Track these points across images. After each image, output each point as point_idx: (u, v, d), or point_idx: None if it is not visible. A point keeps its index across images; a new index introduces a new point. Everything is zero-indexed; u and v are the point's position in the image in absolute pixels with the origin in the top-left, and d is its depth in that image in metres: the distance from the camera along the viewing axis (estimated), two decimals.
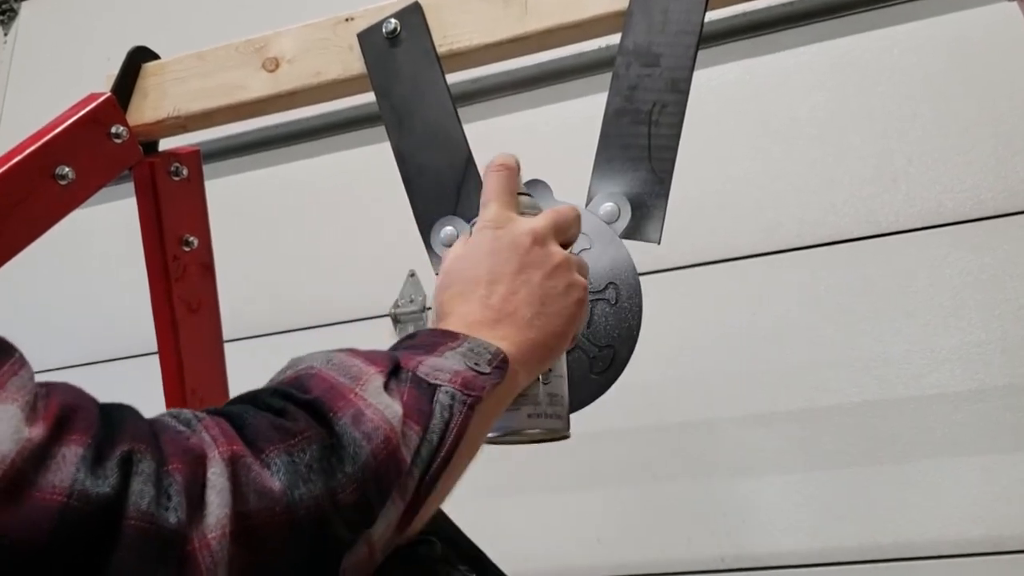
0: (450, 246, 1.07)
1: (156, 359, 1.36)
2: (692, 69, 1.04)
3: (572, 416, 0.94)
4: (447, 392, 0.72)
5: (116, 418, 0.62)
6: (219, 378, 1.40)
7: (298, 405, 0.67)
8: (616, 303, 0.99)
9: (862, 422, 1.72)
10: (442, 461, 0.71)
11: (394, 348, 0.78)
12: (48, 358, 2.35)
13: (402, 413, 0.69)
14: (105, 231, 2.29)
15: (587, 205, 1.04)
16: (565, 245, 0.91)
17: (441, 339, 0.77)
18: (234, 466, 0.61)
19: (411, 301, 2.08)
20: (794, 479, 1.75)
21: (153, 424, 0.64)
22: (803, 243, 1.82)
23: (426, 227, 1.10)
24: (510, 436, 0.88)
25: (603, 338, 0.99)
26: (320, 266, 2.18)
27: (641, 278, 1.00)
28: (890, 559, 1.68)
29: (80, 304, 2.41)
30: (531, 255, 0.86)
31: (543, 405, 0.88)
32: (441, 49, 1.15)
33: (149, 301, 1.35)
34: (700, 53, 1.05)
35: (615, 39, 1.08)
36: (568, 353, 0.98)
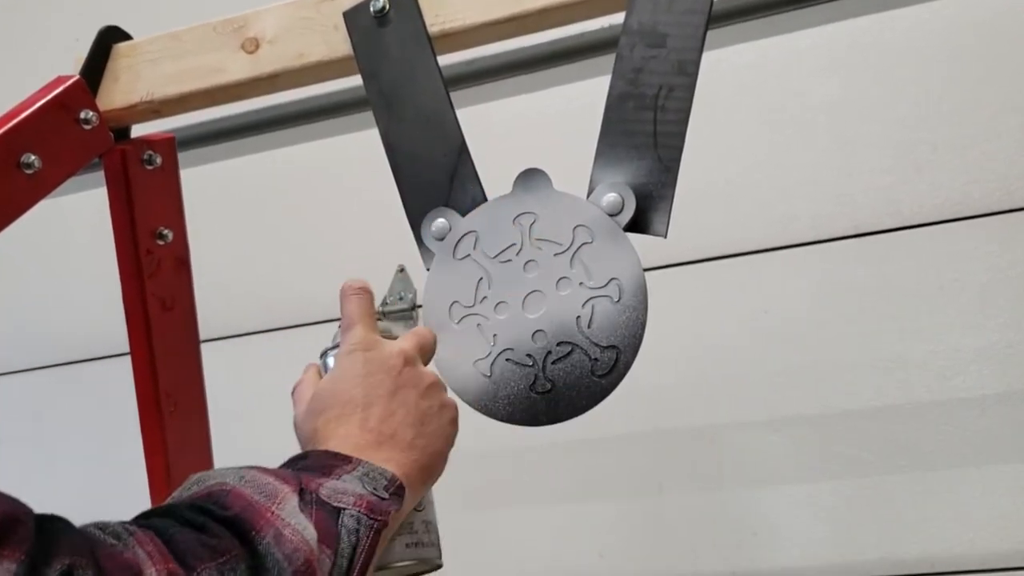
0: (442, 239, 1.07)
1: (128, 360, 1.36)
2: (701, 51, 1.04)
3: (574, 420, 0.94)
4: (352, 515, 0.76)
5: (52, 530, 0.63)
6: (195, 381, 1.40)
7: (219, 521, 0.70)
8: (619, 301, 1.00)
9: (882, 428, 1.73)
10: None
11: (285, 467, 0.82)
12: (11, 360, 2.35)
13: (317, 536, 0.73)
14: (73, 223, 2.29)
15: (588, 196, 1.04)
16: (426, 364, 0.97)
17: (334, 461, 0.81)
18: None
19: (400, 298, 2.07)
20: (809, 489, 1.75)
21: (86, 536, 0.65)
22: (818, 237, 1.82)
23: (416, 219, 1.10)
24: (385, 570, 0.90)
25: (606, 338, 0.99)
26: (303, 261, 2.18)
27: (646, 274, 1.00)
28: (913, 575, 1.68)
29: (46, 301, 2.41)
30: (403, 376, 0.91)
31: (419, 533, 0.92)
32: (433, 29, 1.15)
33: (120, 298, 1.34)
34: (709, 33, 1.05)
35: (619, 18, 1.08)
36: (567, 355, 0.98)
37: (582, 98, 1.95)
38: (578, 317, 1.01)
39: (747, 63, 1.91)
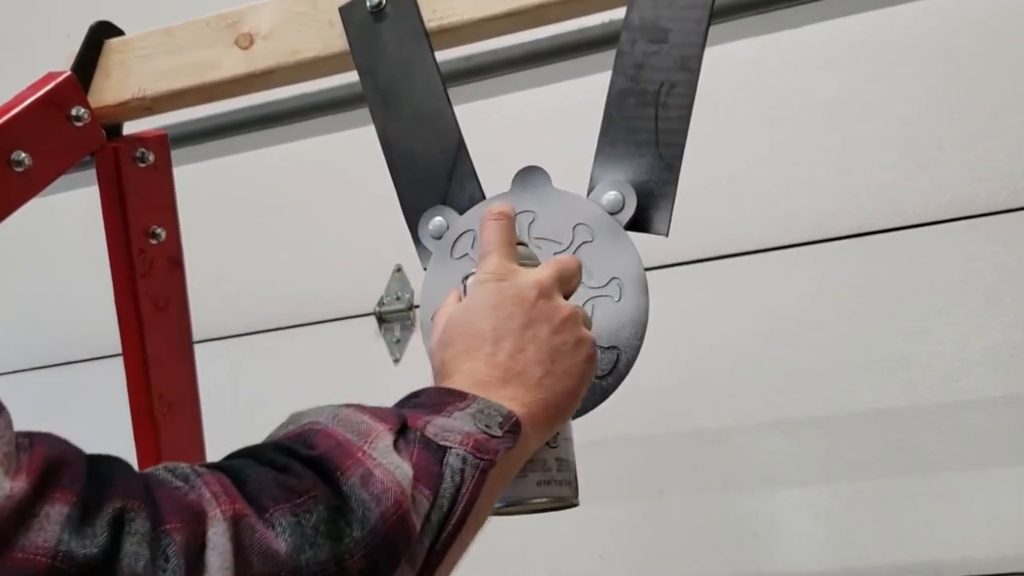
0: (439, 238, 1.07)
1: (120, 361, 1.35)
2: (703, 46, 1.04)
3: (575, 422, 0.94)
4: (458, 455, 0.73)
5: (105, 472, 0.62)
6: (188, 382, 1.40)
7: (303, 462, 0.68)
8: (620, 300, 1.00)
9: (885, 430, 1.73)
10: (453, 528, 0.72)
11: (398, 405, 0.79)
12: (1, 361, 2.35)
13: (412, 475, 0.70)
14: (65, 222, 2.28)
15: (589, 194, 1.04)
16: (567, 297, 0.92)
17: (448, 398, 0.78)
18: (237, 526, 0.62)
19: (397, 298, 2.08)
20: (812, 491, 1.75)
21: (147, 479, 0.64)
22: (822, 236, 1.82)
23: (414, 217, 1.10)
24: (516, 506, 0.89)
25: (606, 339, 0.99)
26: (299, 260, 2.18)
27: (647, 273, 1.00)
28: None
29: (36, 301, 2.41)
30: (537, 309, 0.87)
31: (552, 471, 0.89)
32: (430, 24, 1.15)
33: (112, 298, 1.34)
34: (712, 29, 1.05)
35: (620, 13, 1.08)
36: None
37: (582, 95, 1.94)
38: None
39: (748, 59, 1.91)
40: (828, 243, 1.82)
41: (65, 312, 2.36)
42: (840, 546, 1.73)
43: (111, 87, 1.29)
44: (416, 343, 2.02)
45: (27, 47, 2.37)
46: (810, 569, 1.74)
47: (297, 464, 0.68)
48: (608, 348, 0.99)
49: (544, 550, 1.88)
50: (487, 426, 0.76)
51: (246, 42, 1.23)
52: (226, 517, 0.62)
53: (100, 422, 2.14)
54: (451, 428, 0.75)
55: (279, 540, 0.63)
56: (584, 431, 0.96)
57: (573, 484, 0.92)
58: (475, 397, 0.78)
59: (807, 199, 1.84)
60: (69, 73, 1.27)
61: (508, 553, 1.87)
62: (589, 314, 0.99)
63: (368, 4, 1.16)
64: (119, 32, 1.32)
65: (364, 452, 0.70)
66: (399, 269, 2.08)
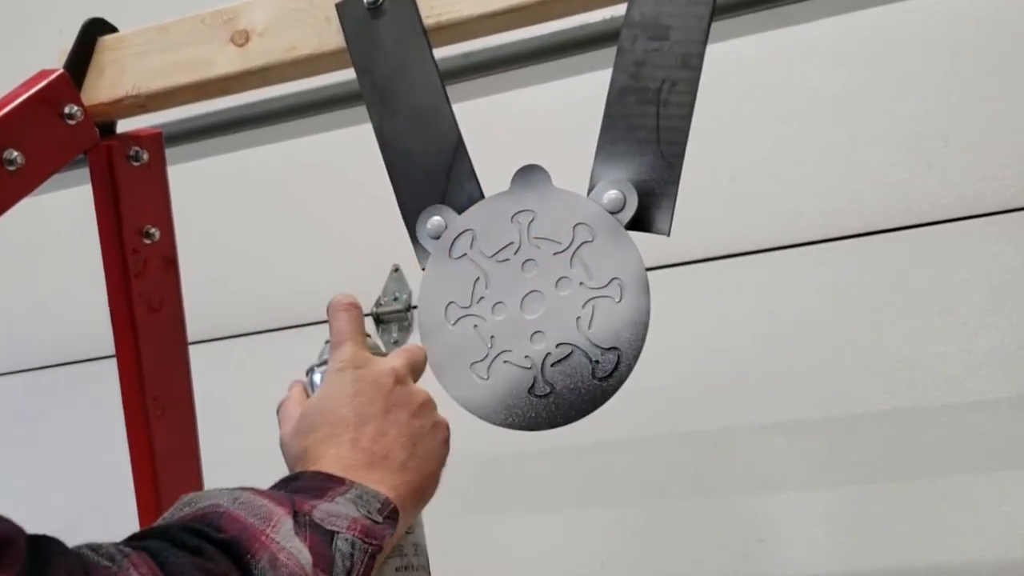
0: (438, 238, 1.07)
1: (113, 363, 1.35)
2: (705, 43, 1.04)
3: (573, 425, 0.94)
4: (346, 539, 0.76)
5: (43, 552, 0.63)
6: (182, 383, 1.40)
7: (214, 544, 0.71)
8: (621, 301, 1.00)
9: (891, 432, 1.73)
10: None
11: (277, 487, 0.82)
12: None
13: (312, 560, 0.73)
14: (57, 221, 2.28)
15: (589, 193, 1.04)
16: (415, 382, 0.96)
17: (326, 483, 0.81)
18: None
19: (395, 299, 2.08)
20: (817, 495, 1.75)
21: (81, 559, 0.65)
22: (826, 235, 1.82)
23: (411, 217, 1.10)
24: None
25: (607, 340, 0.99)
26: (294, 260, 2.18)
27: (648, 274, 1.00)
28: None
29: (28, 302, 2.41)
30: (395, 394, 0.91)
31: (410, 556, 0.92)
32: (428, 21, 1.15)
33: (105, 299, 1.34)
34: (714, 25, 1.05)
35: (620, 10, 1.08)
36: (567, 357, 0.98)
37: (583, 92, 1.94)
38: (578, 318, 1.00)
39: (752, 56, 1.91)
40: (832, 243, 1.82)
41: (57, 313, 2.36)
42: (844, 551, 1.73)
43: (105, 85, 1.29)
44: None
45: (19, 44, 2.37)
46: (815, 573, 1.74)
47: (208, 547, 0.70)
48: (609, 349, 0.99)
49: (544, 557, 1.88)
50: (368, 512, 0.79)
51: (242, 39, 1.23)
52: None
53: (93, 425, 2.15)
54: (336, 513, 0.78)
55: None
56: (584, 433, 0.96)
57: (427, 568, 0.95)
58: (352, 482, 0.81)
59: (811, 198, 1.84)
60: (62, 70, 1.27)
61: (507, 561, 1.87)
62: (590, 315, 0.99)
63: (365, 0, 1.16)
64: (113, 29, 1.31)
65: (268, 536, 0.73)
66: (397, 269, 2.08)
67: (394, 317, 2.07)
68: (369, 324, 2.06)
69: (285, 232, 2.20)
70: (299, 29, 1.21)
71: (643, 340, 0.99)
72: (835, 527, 1.74)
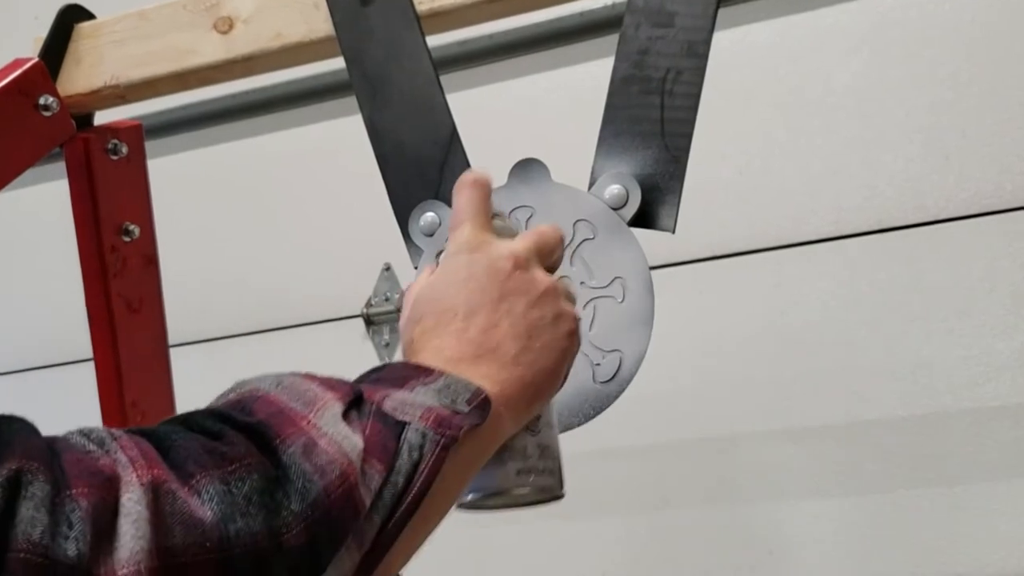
0: (431, 235, 1.08)
1: (91, 366, 1.36)
2: (712, 30, 1.04)
3: (575, 431, 0.94)
4: (417, 430, 0.72)
5: (5, 433, 0.61)
6: (163, 388, 1.40)
7: (238, 429, 0.67)
8: (623, 301, 1.00)
9: (908, 439, 1.73)
10: (408, 507, 0.70)
11: (358, 380, 0.78)
12: None
13: (363, 447, 0.69)
14: (32, 218, 2.29)
15: (590, 188, 1.04)
16: (549, 271, 0.90)
17: (412, 373, 0.77)
18: (155, 492, 0.60)
19: (386, 299, 2.08)
20: (829, 504, 1.76)
21: (54, 442, 0.63)
22: (840, 232, 1.83)
23: (404, 213, 1.11)
24: (494, 497, 0.88)
25: (609, 341, 0.99)
26: (281, 259, 2.18)
27: (653, 272, 1.01)
28: None
29: (1, 303, 2.41)
30: (513, 281, 0.85)
31: (533, 459, 0.87)
32: (421, 7, 1.15)
33: (83, 299, 1.35)
34: (721, 11, 1.05)
35: None
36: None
37: (583, 82, 1.95)
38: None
39: (761, 44, 1.91)
40: (846, 239, 1.82)
41: (31, 314, 2.36)
42: (858, 563, 1.73)
43: (82, 74, 1.29)
44: None
45: None
46: None
47: (231, 431, 0.66)
48: (610, 352, 0.99)
49: (543, 568, 1.89)
50: (452, 401, 0.75)
51: (225, 26, 1.24)
52: (143, 483, 0.60)
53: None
54: (411, 402, 0.73)
55: (204, 508, 0.61)
56: (586, 440, 0.97)
57: (557, 474, 0.90)
58: (442, 372, 0.77)
59: (823, 193, 1.84)
60: (37, 60, 1.27)
61: (504, 572, 1.87)
62: (591, 316, 1.00)
63: None
64: (90, 16, 1.32)
65: (308, 421, 0.69)
66: (388, 268, 2.09)
67: (385, 319, 2.07)
68: (359, 327, 2.06)
69: (271, 230, 2.20)
70: (286, 16, 1.21)
71: (647, 342, 0.99)
72: (848, 538, 1.74)
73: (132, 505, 0.59)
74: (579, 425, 0.99)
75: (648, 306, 1.00)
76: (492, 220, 0.90)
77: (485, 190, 0.91)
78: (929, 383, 1.73)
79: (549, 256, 0.90)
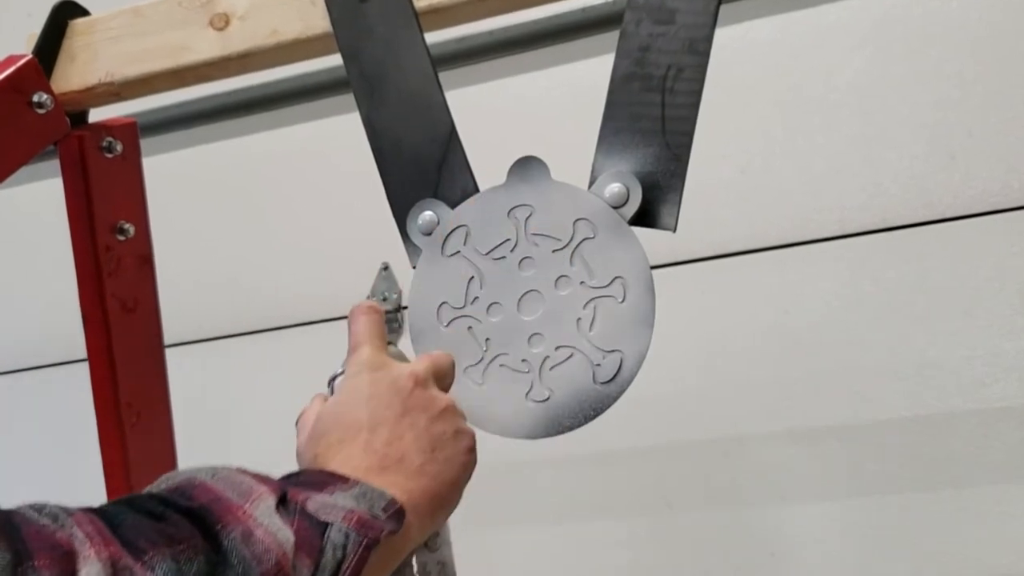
0: (430, 234, 1.08)
1: (85, 367, 1.36)
2: (713, 27, 1.04)
3: (573, 433, 0.94)
4: (340, 530, 0.75)
5: None
6: (158, 389, 1.40)
7: (180, 512, 0.70)
8: (624, 301, 1.00)
9: (913, 440, 1.73)
10: None
11: (280, 480, 0.81)
12: None
13: (294, 541, 0.72)
14: (26, 216, 2.29)
15: (590, 186, 1.04)
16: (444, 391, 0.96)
17: (329, 479, 0.81)
18: (113, 567, 0.63)
19: (384, 299, 2.08)
20: (833, 507, 1.76)
21: (12, 515, 0.65)
22: (844, 231, 1.83)
23: (402, 211, 1.11)
24: None
25: (609, 342, 1.00)
26: (277, 259, 2.18)
27: (654, 272, 1.01)
28: None
29: None
30: (414, 398, 0.90)
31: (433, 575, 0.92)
32: (420, 3, 1.15)
33: (77, 299, 1.35)
34: (722, 8, 1.05)
35: None
36: (567, 361, 0.99)
37: (583, 80, 1.95)
38: (579, 319, 1.01)
39: (764, 40, 1.91)
40: (850, 239, 1.82)
41: (26, 314, 2.36)
42: (862, 566, 1.73)
43: (76, 71, 1.29)
44: (405, 348, 2.02)
45: None
46: None
47: (174, 514, 0.70)
48: (611, 352, 0.99)
49: (543, 572, 1.89)
50: (370, 507, 0.78)
51: (221, 23, 1.24)
52: (101, 559, 0.63)
53: (63, 433, 2.15)
54: (332, 504, 0.77)
55: None
56: (586, 442, 0.97)
57: None
58: (357, 480, 0.81)
59: (827, 191, 1.84)
60: (31, 56, 1.27)
61: (503, 573, 1.87)
62: (591, 316, 1.00)
63: None
64: (84, 12, 1.32)
65: (244, 511, 0.72)
66: (386, 267, 2.09)
67: (383, 318, 2.07)
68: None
69: (267, 228, 2.21)
70: (282, 13, 1.21)
71: (648, 343, 0.99)
72: (851, 541, 1.74)
73: None
74: (579, 427, 0.99)
75: (649, 306, 1.00)
76: (388, 346, 0.96)
77: (380, 316, 0.98)
78: (935, 384, 1.74)
79: (443, 379, 0.96)
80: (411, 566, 0.89)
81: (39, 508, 0.67)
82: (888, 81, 1.85)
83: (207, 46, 1.24)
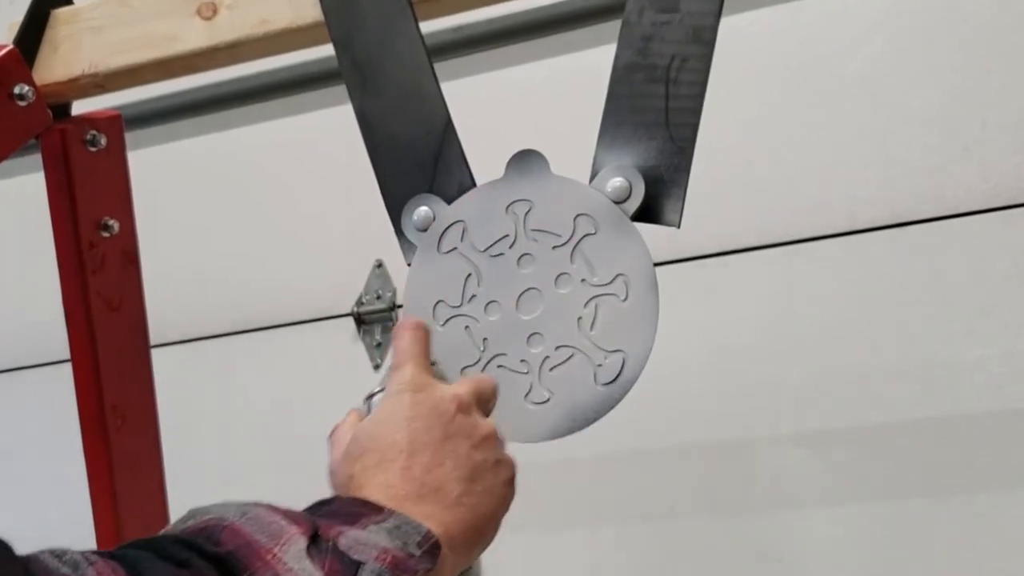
0: (425, 230, 1.08)
1: (68, 368, 1.36)
2: (719, 15, 1.04)
3: (574, 436, 0.94)
4: (373, 571, 0.75)
5: None
6: (144, 391, 1.40)
7: (207, 558, 0.70)
8: (626, 299, 1.00)
9: (925, 444, 1.73)
10: None
11: (307, 511, 0.81)
12: None
13: None
14: (6, 212, 2.29)
15: (591, 180, 1.05)
16: (485, 416, 0.95)
17: (363, 510, 0.80)
18: None
19: (378, 297, 2.08)
20: (842, 512, 1.76)
21: (29, 563, 0.64)
22: (853, 227, 1.83)
23: (396, 207, 1.11)
24: None
25: (610, 342, 1.00)
26: (268, 256, 2.18)
27: (657, 269, 1.01)
28: None
29: None
30: (456, 423, 0.89)
31: None
32: None
33: (59, 298, 1.35)
34: None
35: None
36: (567, 361, 0.99)
37: (584, 70, 1.94)
38: (579, 318, 1.01)
39: (771, 29, 1.91)
40: (860, 234, 1.82)
41: (5, 313, 2.36)
42: (871, 574, 1.73)
43: (59, 62, 1.29)
44: None
45: None
46: None
47: (200, 561, 0.69)
48: (612, 352, 0.99)
49: (545, 574, 1.89)
50: (404, 544, 0.78)
51: (209, 11, 1.24)
52: None
53: (45, 437, 2.15)
54: (366, 542, 0.76)
55: None
56: (587, 444, 0.97)
57: None
58: (392, 511, 0.81)
59: (836, 185, 1.84)
60: (11, 46, 1.27)
61: None
62: (592, 315, 1.00)
63: None
64: (68, 1, 1.32)
65: (274, 556, 0.72)
66: (380, 265, 2.09)
67: (377, 317, 2.07)
68: (349, 326, 2.06)
69: (257, 224, 2.21)
70: (272, 1, 1.21)
71: (651, 342, 0.99)
72: (860, 547, 1.75)
73: None
74: (580, 430, 1.00)
75: (652, 304, 1.00)
76: (432, 366, 0.95)
77: (425, 334, 0.96)
78: (949, 385, 1.74)
79: (486, 404, 0.96)
80: None
81: (59, 555, 0.66)
82: (899, 71, 1.85)
83: (194, 36, 1.24)
